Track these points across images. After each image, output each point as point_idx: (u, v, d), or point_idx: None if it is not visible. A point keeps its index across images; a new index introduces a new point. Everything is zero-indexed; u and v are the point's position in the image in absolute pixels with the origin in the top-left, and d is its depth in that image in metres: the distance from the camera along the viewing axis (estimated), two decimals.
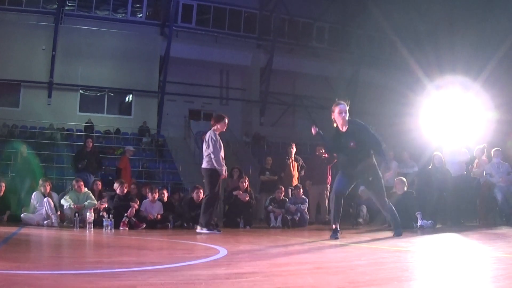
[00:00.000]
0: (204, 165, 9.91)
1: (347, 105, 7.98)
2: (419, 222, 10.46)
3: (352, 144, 7.86)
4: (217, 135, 9.92)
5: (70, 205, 11.61)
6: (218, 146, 9.82)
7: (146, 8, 26.52)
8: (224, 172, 9.94)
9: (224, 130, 10.20)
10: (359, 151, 7.91)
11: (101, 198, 12.49)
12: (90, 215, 10.63)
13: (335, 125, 8.08)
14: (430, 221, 10.59)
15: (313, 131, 8.22)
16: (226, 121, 10.14)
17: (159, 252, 6.57)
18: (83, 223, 10.81)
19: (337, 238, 7.72)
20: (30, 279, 3.64)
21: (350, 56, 28.73)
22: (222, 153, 9.88)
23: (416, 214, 10.62)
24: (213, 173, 9.83)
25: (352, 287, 3.44)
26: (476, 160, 13.13)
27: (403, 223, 10.69)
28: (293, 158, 14.57)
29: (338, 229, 7.98)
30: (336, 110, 7.94)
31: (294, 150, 14.61)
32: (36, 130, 22.66)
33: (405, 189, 11.37)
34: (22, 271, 3.99)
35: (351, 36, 28.73)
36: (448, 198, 11.79)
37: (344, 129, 7.97)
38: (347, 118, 7.94)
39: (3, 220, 11.88)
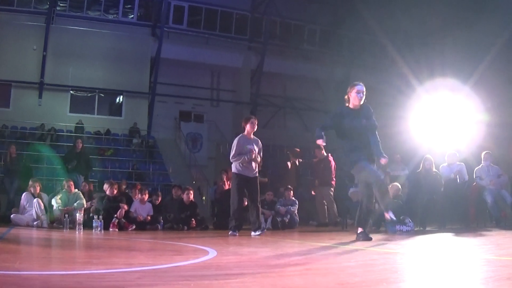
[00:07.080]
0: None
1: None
2: (403, 227, 10.46)
3: (364, 121, 7.78)
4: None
5: (59, 207, 11.59)
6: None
7: (137, 9, 26.42)
8: None
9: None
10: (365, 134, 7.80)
11: (91, 199, 12.46)
12: (79, 216, 10.61)
13: (346, 104, 7.98)
14: (410, 223, 10.58)
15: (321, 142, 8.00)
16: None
17: (148, 253, 6.56)
18: (72, 224, 10.78)
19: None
20: (19, 279, 3.62)
21: (341, 59, 28.75)
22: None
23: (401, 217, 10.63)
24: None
25: None
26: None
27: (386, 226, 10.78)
28: (291, 161, 14.62)
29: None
30: (354, 90, 7.86)
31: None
32: (27, 131, 22.55)
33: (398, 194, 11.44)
34: (11, 272, 3.97)
35: (342, 38, 28.74)
36: (438, 201, 11.82)
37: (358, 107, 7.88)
38: (363, 99, 7.87)
39: None
